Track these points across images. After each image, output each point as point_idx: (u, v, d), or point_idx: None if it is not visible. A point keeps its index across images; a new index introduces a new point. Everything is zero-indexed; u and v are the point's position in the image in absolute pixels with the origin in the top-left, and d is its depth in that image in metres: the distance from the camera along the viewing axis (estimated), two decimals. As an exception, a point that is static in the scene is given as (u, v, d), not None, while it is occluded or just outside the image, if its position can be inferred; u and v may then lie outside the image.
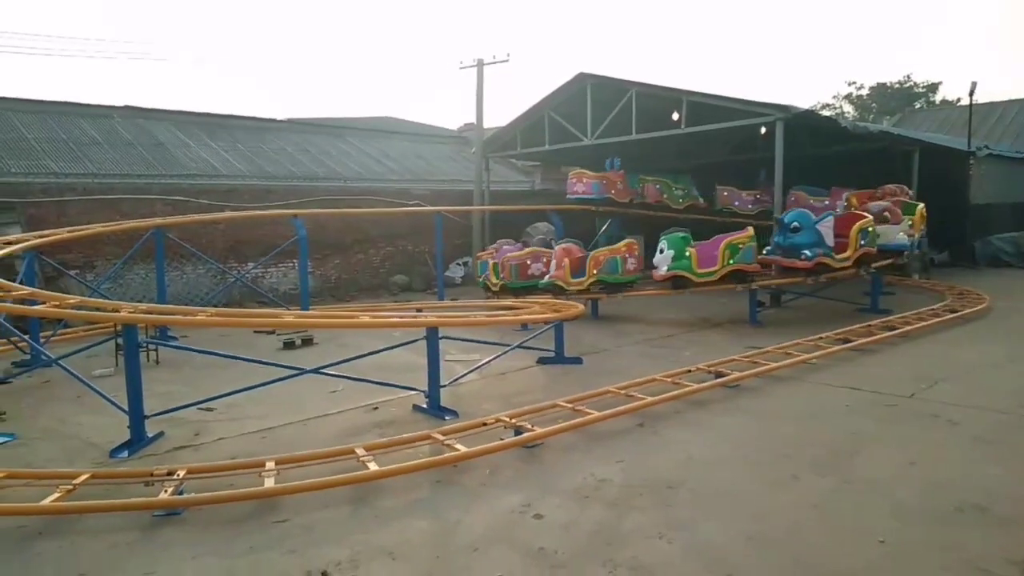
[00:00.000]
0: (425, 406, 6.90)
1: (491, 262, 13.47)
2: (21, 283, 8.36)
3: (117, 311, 6.67)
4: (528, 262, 12.97)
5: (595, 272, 11.91)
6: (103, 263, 14.15)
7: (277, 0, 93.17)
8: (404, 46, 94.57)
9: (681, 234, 11.76)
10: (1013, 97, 30.04)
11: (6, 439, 6.31)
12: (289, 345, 10.47)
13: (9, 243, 9.98)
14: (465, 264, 20.05)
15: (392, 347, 7.58)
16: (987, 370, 8.14)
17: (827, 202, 15.16)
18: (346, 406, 7.17)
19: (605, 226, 18.82)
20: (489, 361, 8.31)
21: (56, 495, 4.57)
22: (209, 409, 6.90)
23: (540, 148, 18.47)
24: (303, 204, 16.87)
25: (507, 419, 6.06)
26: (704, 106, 14.67)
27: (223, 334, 10.49)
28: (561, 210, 17.64)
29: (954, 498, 4.50)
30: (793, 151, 14.11)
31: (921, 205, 13.77)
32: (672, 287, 11.77)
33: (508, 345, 8.54)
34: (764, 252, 11.78)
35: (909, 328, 10.23)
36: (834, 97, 47.62)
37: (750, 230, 11.69)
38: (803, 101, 59.49)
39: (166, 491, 4.62)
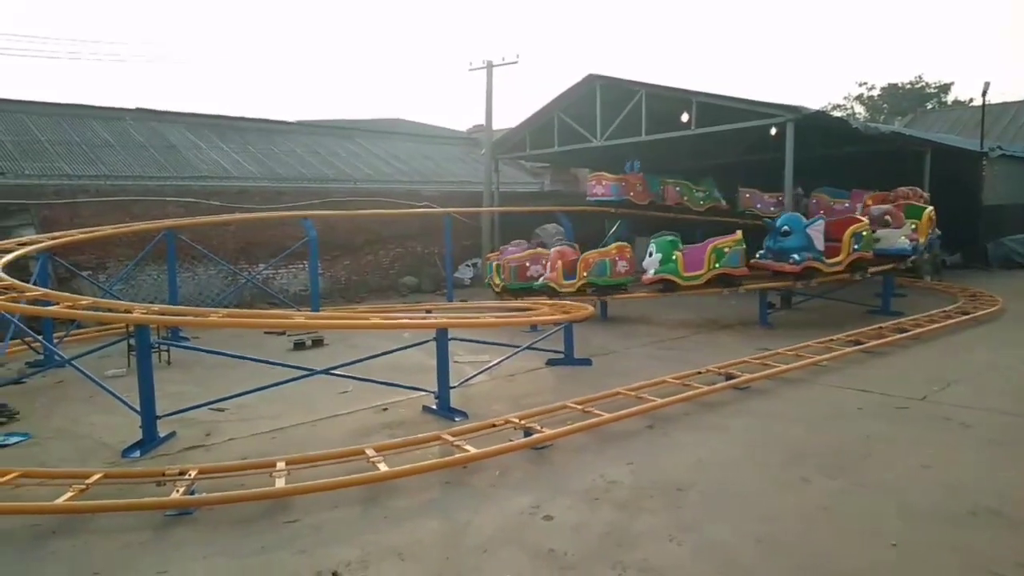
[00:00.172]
0: (435, 407, 6.92)
1: (494, 263, 13.60)
2: (35, 284, 8.43)
3: (129, 312, 6.72)
4: (527, 264, 13.08)
5: (585, 274, 12.02)
6: (115, 264, 14.26)
7: (288, 3, 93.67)
8: (413, 48, 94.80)
9: (669, 238, 11.85)
10: (1027, 98, 29.81)
11: (20, 439, 6.37)
12: (300, 346, 10.52)
13: (23, 244, 10.09)
14: (474, 265, 20.08)
15: (402, 348, 7.60)
16: (1000, 372, 8.07)
17: (847, 204, 15.01)
18: (356, 407, 7.20)
19: (614, 228, 18.80)
20: (499, 362, 8.31)
21: (69, 494, 4.61)
22: (220, 409, 6.94)
23: (549, 149, 18.47)
24: (313, 205, 16.94)
25: (517, 420, 6.06)
26: (714, 107, 14.63)
27: (235, 335, 10.55)
28: (570, 211, 17.63)
29: (967, 501, 4.47)
30: (804, 152, 14.04)
31: (930, 208, 13.35)
32: (661, 290, 11.85)
33: (517, 346, 8.54)
34: (757, 256, 11.75)
35: (921, 330, 10.15)
36: (845, 98, 47.45)
37: (738, 234, 11.71)
38: (814, 102, 59.30)
39: (178, 491, 4.65)
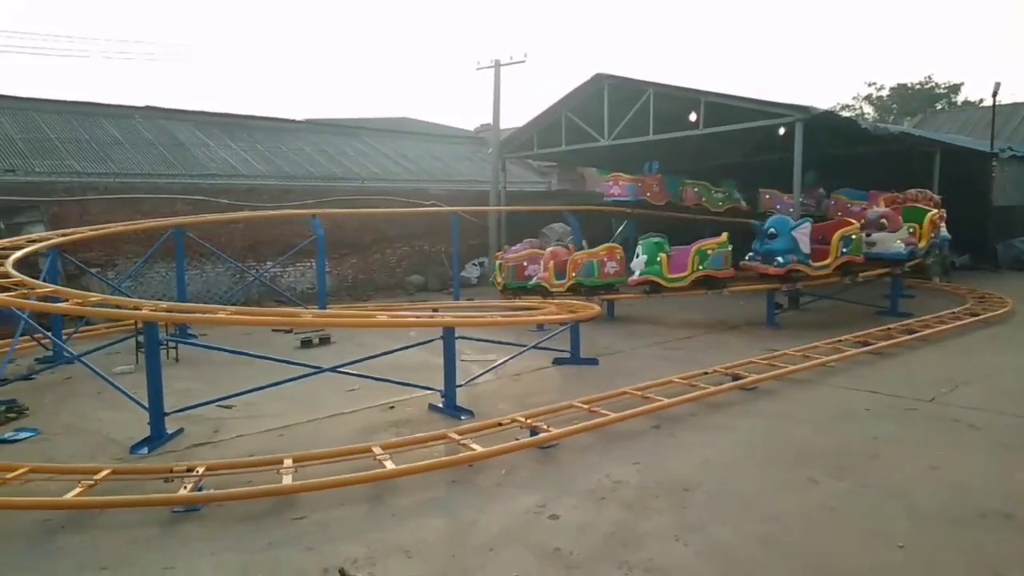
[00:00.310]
0: (441, 406, 6.93)
1: (498, 262, 13.78)
2: (44, 281, 8.47)
3: (138, 309, 6.76)
4: (525, 263, 13.23)
5: (574, 275, 12.11)
6: (124, 261, 14.34)
7: (297, 2, 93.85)
8: (421, 47, 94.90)
9: (655, 239, 11.91)
10: (1038, 98, 29.61)
11: (29, 434, 6.41)
12: (307, 344, 10.55)
13: (33, 241, 10.15)
14: (481, 264, 20.10)
15: (408, 347, 7.62)
16: (1009, 374, 8.03)
17: (864, 206, 14.88)
18: (363, 405, 7.21)
19: (621, 227, 18.77)
20: (505, 361, 8.31)
21: (78, 490, 4.64)
22: (228, 407, 6.96)
23: (557, 149, 18.45)
24: (321, 204, 16.98)
25: (523, 419, 6.06)
26: (722, 107, 14.58)
27: (243, 332, 10.59)
28: (577, 211, 17.61)
29: (976, 503, 4.44)
30: (813, 153, 13.98)
31: (933, 212, 12.95)
32: (647, 292, 11.95)
33: (524, 346, 8.54)
34: (747, 258, 11.73)
35: (929, 331, 10.10)
36: (854, 98, 47.30)
37: (723, 236, 11.73)
38: (822, 102, 59.03)
39: (185, 487, 4.68)
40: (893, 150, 17.00)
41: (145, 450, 5.85)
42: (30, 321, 8.55)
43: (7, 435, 6.35)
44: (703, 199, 16.77)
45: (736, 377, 7.53)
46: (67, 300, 6.99)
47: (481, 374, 7.99)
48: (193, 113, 19.20)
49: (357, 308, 14.17)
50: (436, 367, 7.02)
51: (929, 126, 28.79)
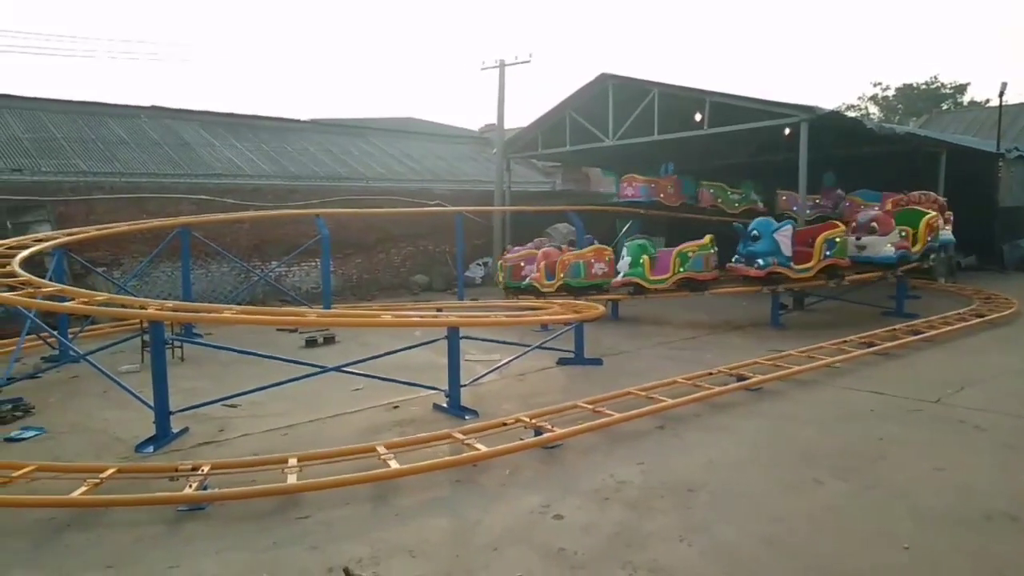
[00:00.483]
0: (445, 405, 6.93)
1: (500, 262, 13.95)
2: (51, 280, 8.51)
3: (144, 308, 6.78)
4: (522, 264, 13.35)
5: (561, 276, 12.27)
6: (130, 261, 14.39)
7: (302, 2, 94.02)
8: (426, 47, 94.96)
9: (639, 242, 12.06)
10: (1045, 98, 29.46)
11: (36, 433, 6.44)
12: (311, 343, 10.57)
13: (39, 240, 10.19)
14: (485, 264, 20.11)
15: (413, 346, 7.63)
16: (1015, 376, 7.99)
17: (877, 207, 14.76)
18: (367, 404, 7.22)
19: (625, 227, 18.77)
20: (509, 361, 8.31)
21: (84, 488, 4.66)
22: (233, 406, 6.98)
23: (561, 149, 18.45)
24: (325, 204, 17.01)
25: (527, 419, 6.06)
26: (727, 107, 14.56)
27: (248, 332, 10.61)
28: (581, 211, 17.61)
29: (982, 505, 4.43)
30: (818, 153, 13.94)
31: (929, 215, 12.51)
32: (631, 293, 12.12)
33: (528, 346, 8.54)
34: (733, 260, 11.71)
35: (935, 332, 10.06)
36: (859, 98, 47.10)
37: (705, 239, 11.83)
38: (828, 102, 58.80)
39: (190, 486, 4.69)
40: (899, 150, 16.95)
41: (150, 449, 5.87)
42: (36, 320, 8.60)
43: (13, 433, 6.39)
44: (719, 200, 16.76)
45: (741, 378, 7.52)
46: (73, 299, 7.02)
47: (485, 374, 8.00)
48: (198, 113, 19.27)
49: (361, 308, 14.19)
50: (440, 367, 7.03)
51: (935, 126, 28.69)
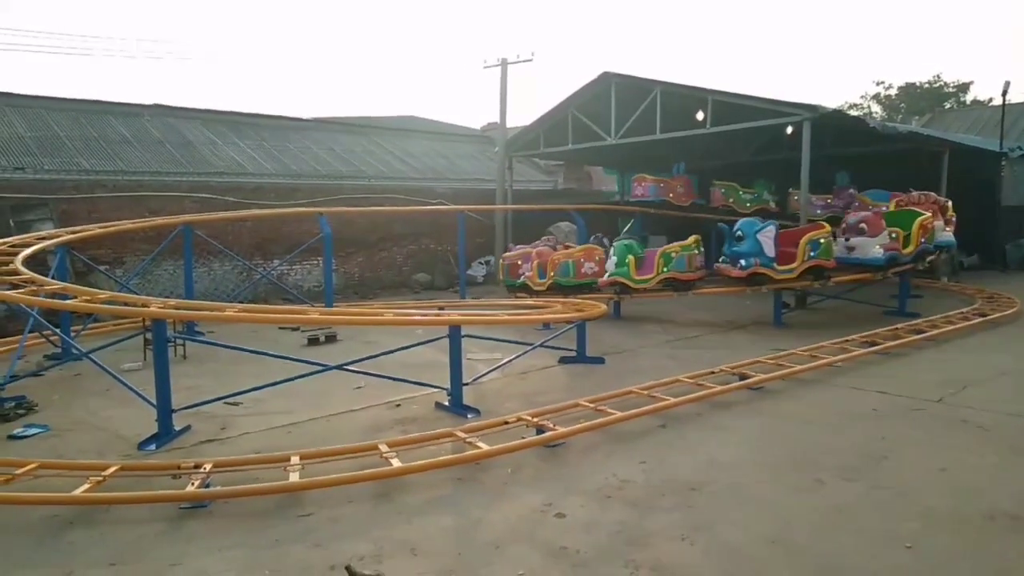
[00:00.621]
0: (447, 404, 6.94)
1: (501, 261, 14.04)
2: (53, 278, 8.52)
3: (146, 306, 6.79)
4: (519, 262, 13.42)
5: (552, 274, 12.41)
6: (132, 259, 14.41)
7: (303, 0, 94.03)
8: (428, 45, 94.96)
9: (625, 242, 12.13)
10: (1048, 97, 29.37)
11: (38, 430, 6.45)
12: (313, 341, 10.58)
13: (42, 239, 10.21)
14: (487, 263, 20.10)
15: (415, 345, 7.63)
16: (1018, 375, 7.97)
17: (885, 207, 14.71)
18: (369, 402, 7.23)
19: (627, 226, 18.76)
20: (511, 360, 8.32)
21: (87, 486, 4.67)
22: (235, 404, 6.99)
23: (563, 147, 18.44)
24: (328, 202, 17.00)
25: (529, 418, 6.07)
26: (729, 105, 14.54)
27: (250, 330, 10.62)
28: (583, 209, 17.61)
29: (985, 505, 4.42)
30: (820, 152, 13.91)
31: (924, 216, 12.21)
32: (617, 292, 12.21)
33: (530, 344, 8.55)
34: (720, 260, 11.77)
35: (937, 332, 10.04)
36: (862, 97, 47.00)
37: (689, 240, 11.94)
38: (830, 101, 58.66)
39: (193, 484, 4.70)
40: (901, 150, 16.91)
41: (153, 447, 5.88)
42: (39, 318, 8.61)
43: (16, 431, 6.40)
44: (730, 200, 16.74)
45: (743, 377, 7.51)
46: (76, 297, 7.03)
47: (487, 372, 8.00)
48: (201, 111, 19.27)
49: (363, 306, 14.21)
50: (442, 365, 7.03)
51: (938, 125, 28.60)
